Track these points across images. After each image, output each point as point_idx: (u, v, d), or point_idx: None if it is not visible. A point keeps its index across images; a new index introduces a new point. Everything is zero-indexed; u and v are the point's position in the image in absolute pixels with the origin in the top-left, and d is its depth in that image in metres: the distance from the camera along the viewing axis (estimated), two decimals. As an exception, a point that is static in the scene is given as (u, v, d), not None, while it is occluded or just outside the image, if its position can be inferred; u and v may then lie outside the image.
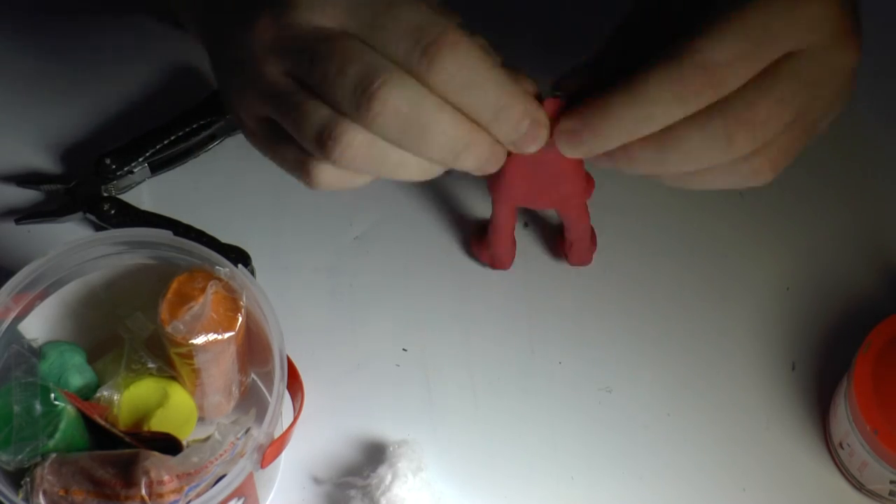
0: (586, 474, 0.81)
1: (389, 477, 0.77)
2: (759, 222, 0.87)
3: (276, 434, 0.73)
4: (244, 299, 0.73)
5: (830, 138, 0.88)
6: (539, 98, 0.66)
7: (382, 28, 0.61)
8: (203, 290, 0.72)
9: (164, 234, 0.75)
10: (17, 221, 0.85)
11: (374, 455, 0.80)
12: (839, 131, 0.89)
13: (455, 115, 0.63)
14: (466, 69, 0.62)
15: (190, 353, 0.72)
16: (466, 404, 0.82)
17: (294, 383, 0.76)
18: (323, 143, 0.62)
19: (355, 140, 0.62)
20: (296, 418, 0.75)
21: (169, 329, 0.71)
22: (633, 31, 0.70)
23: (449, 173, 0.67)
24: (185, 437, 0.76)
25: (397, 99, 0.61)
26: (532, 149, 0.65)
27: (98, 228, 0.86)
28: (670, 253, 0.86)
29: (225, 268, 0.73)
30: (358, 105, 0.61)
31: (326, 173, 0.65)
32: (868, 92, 0.90)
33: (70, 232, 0.86)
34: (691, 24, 0.65)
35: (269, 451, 0.72)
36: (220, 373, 0.74)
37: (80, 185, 0.86)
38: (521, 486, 0.80)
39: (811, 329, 0.84)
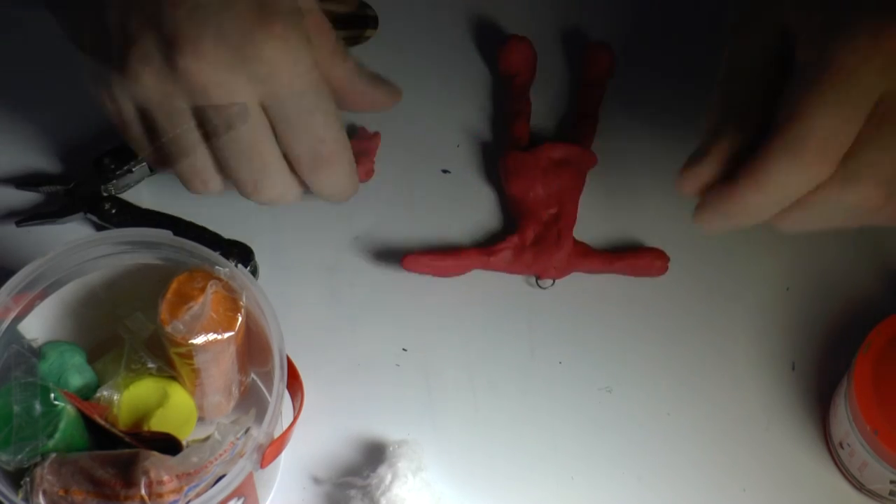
0: (586, 474, 0.81)
1: (389, 477, 0.77)
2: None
3: (276, 434, 0.73)
4: (244, 299, 0.73)
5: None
6: None
7: (292, 130, 0.72)
8: (203, 290, 0.72)
9: (165, 234, 0.75)
10: (18, 224, 0.85)
11: (374, 455, 0.80)
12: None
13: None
14: (332, 181, 0.76)
15: (190, 353, 0.72)
16: (466, 404, 0.82)
17: (294, 383, 0.76)
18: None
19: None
20: (295, 418, 0.75)
21: (169, 329, 0.71)
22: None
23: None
24: (185, 437, 0.75)
25: (273, 194, 0.75)
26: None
27: (99, 228, 0.85)
28: (670, 253, 0.86)
29: (225, 268, 0.73)
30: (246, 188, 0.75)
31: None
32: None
33: (71, 232, 0.86)
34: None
35: (269, 451, 0.72)
36: (219, 373, 0.74)
37: (80, 186, 0.86)
38: (521, 487, 0.80)
39: (811, 329, 0.84)
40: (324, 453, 0.81)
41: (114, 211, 0.85)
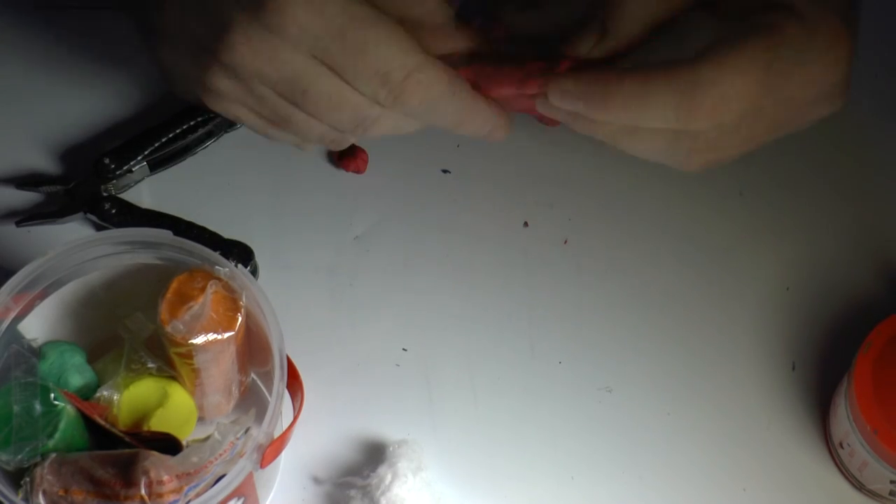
0: (586, 474, 0.81)
1: (389, 477, 0.77)
2: (760, 221, 0.87)
3: (276, 434, 0.73)
4: (244, 299, 0.73)
5: (830, 138, 0.88)
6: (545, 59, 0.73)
7: (353, 72, 0.69)
8: (203, 289, 0.72)
9: (165, 234, 0.75)
10: (18, 224, 0.85)
11: (374, 455, 0.80)
12: (839, 131, 0.89)
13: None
14: (425, 104, 0.70)
15: (190, 353, 0.72)
16: (466, 404, 0.82)
17: (294, 383, 0.76)
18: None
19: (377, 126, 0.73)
20: (295, 418, 0.75)
21: (169, 329, 0.71)
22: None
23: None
24: (185, 437, 0.76)
25: (379, 130, 0.72)
26: (497, 140, 0.76)
27: (99, 228, 0.86)
28: (670, 253, 0.86)
29: (225, 268, 0.73)
30: (348, 133, 0.73)
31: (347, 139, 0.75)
32: (868, 92, 0.90)
33: (71, 232, 0.86)
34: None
35: (269, 451, 0.72)
36: (219, 373, 0.74)
37: (80, 186, 0.86)
38: (521, 486, 0.80)
39: (811, 329, 0.84)
40: (324, 453, 0.81)
41: (114, 211, 0.85)
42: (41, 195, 0.87)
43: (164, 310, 0.72)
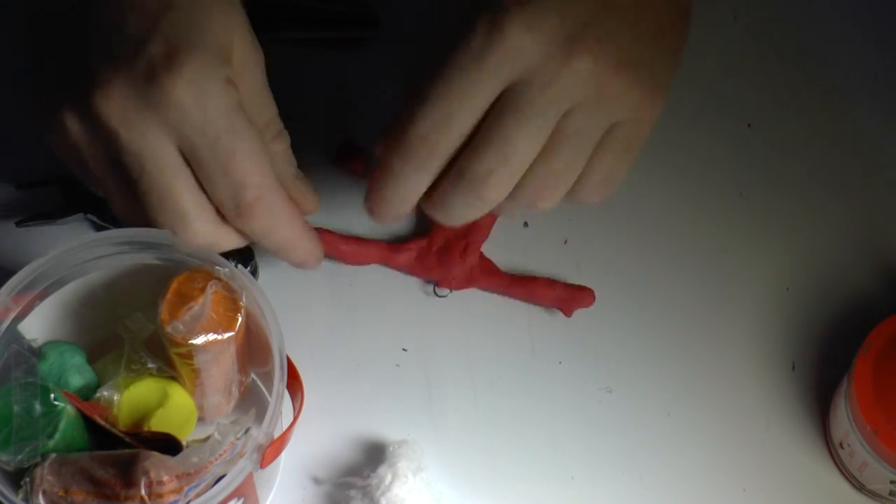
0: (586, 474, 0.81)
1: (389, 477, 0.77)
2: (759, 222, 0.87)
3: (276, 434, 0.73)
4: (244, 299, 0.73)
5: (830, 139, 0.88)
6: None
7: (210, 176, 0.69)
8: (203, 290, 0.72)
9: (165, 234, 0.74)
10: (18, 224, 0.85)
11: (374, 455, 0.80)
12: (839, 131, 0.89)
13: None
14: (264, 226, 0.71)
15: (190, 353, 0.72)
16: (466, 404, 0.82)
17: (294, 383, 0.76)
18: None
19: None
20: (296, 418, 0.75)
21: (169, 329, 0.71)
22: None
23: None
24: (185, 437, 0.76)
25: (195, 242, 0.72)
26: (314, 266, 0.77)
27: (99, 229, 0.85)
28: (670, 253, 0.86)
29: (225, 268, 0.73)
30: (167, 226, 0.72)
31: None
32: (868, 92, 0.90)
33: (71, 232, 0.85)
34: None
35: (269, 451, 0.72)
36: (219, 373, 0.74)
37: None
38: (521, 486, 0.80)
39: (811, 329, 0.84)
40: (324, 453, 0.81)
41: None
42: (41, 195, 0.87)
43: (164, 310, 0.72)
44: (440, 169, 0.70)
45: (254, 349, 0.76)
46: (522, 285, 0.84)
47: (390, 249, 0.84)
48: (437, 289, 0.85)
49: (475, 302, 0.85)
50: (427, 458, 0.79)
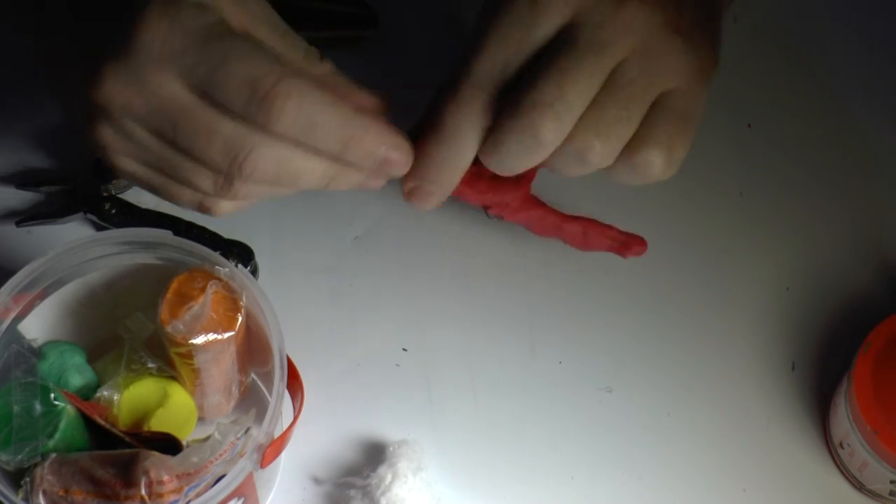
0: (586, 474, 0.81)
1: (389, 477, 0.77)
2: (759, 222, 0.87)
3: (276, 434, 0.73)
4: (244, 299, 0.73)
5: (830, 138, 0.88)
6: None
7: (219, 87, 0.64)
8: (203, 290, 0.72)
9: (165, 234, 0.75)
10: (18, 224, 0.85)
11: (374, 455, 0.80)
12: (839, 131, 0.89)
13: (312, 156, 0.66)
14: (303, 114, 0.64)
15: (190, 353, 0.72)
16: (466, 404, 0.82)
17: (294, 383, 0.76)
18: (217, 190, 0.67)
19: (241, 191, 0.67)
20: (296, 418, 0.75)
21: (169, 329, 0.71)
22: None
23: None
24: (185, 437, 0.76)
25: (261, 165, 0.65)
26: (398, 173, 0.70)
27: (99, 228, 0.86)
28: (670, 253, 0.86)
29: (225, 268, 0.73)
30: (229, 177, 0.66)
31: (224, 206, 0.69)
32: (868, 92, 0.90)
33: (71, 232, 0.86)
34: None
35: (269, 451, 0.72)
36: (219, 373, 0.74)
37: (80, 186, 0.86)
38: (520, 486, 0.80)
39: (811, 329, 0.84)
40: (324, 453, 0.81)
41: (114, 211, 0.85)
42: (41, 195, 0.87)
43: (164, 310, 0.72)
44: (493, 115, 0.68)
45: (254, 349, 0.76)
46: (577, 222, 0.80)
47: None
48: (489, 212, 0.81)
49: (475, 302, 0.85)
50: (427, 458, 0.79)
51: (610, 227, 0.81)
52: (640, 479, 0.81)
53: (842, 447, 0.79)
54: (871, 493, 0.80)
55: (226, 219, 0.72)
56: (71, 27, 0.70)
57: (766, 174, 0.88)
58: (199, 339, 0.72)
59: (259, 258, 0.84)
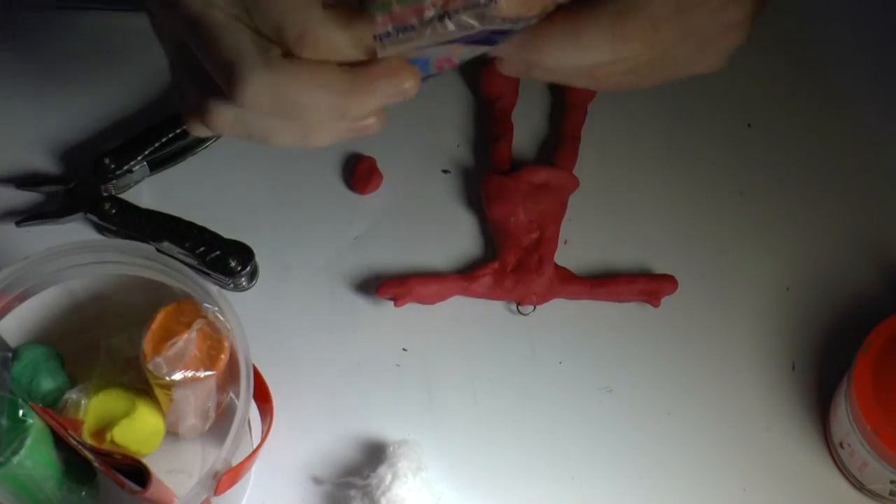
0: (586, 474, 0.81)
1: (389, 477, 0.77)
2: (760, 221, 0.87)
3: (235, 462, 0.72)
4: (229, 339, 0.72)
5: (830, 138, 0.88)
6: None
7: (255, 16, 0.62)
8: (188, 325, 0.72)
9: (147, 249, 0.74)
10: (18, 224, 0.85)
11: (374, 455, 0.80)
12: (839, 132, 0.89)
13: (322, 89, 0.63)
14: (327, 58, 0.62)
15: (169, 386, 0.72)
16: (466, 404, 0.82)
17: (265, 406, 0.75)
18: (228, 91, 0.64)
19: (228, 114, 0.64)
20: (261, 443, 0.74)
21: (150, 366, 0.71)
22: None
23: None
24: (149, 452, 0.75)
25: (257, 89, 0.62)
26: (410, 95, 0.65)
27: (99, 228, 0.86)
28: (670, 253, 0.86)
29: (213, 307, 0.73)
30: (227, 92, 0.63)
31: (222, 116, 0.65)
32: (868, 92, 0.90)
33: (71, 232, 0.86)
34: None
35: (225, 479, 0.71)
36: (197, 402, 0.74)
37: (80, 186, 0.86)
38: (520, 486, 0.81)
39: (811, 329, 0.84)
40: (324, 453, 0.81)
41: (114, 211, 0.85)
42: (41, 195, 0.87)
43: (147, 343, 0.72)
44: None
45: (234, 370, 0.75)
46: (605, 286, 0.84)
47: (467, 279, 0.84)
48: (520, 307, 0.84)
49: (475, 302, 0.85)
50: (427, 458, 0.79)
51: (635, 279, 0.84)
52: (640, 479, 0.81)
53: (842, 447, 0.79)
54: (871, 493, 0.80)
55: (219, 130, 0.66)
56: None
57: (766, 174, 0.88)
58: (179, 376, 0.71)
59: (259, 258, 0.84)
